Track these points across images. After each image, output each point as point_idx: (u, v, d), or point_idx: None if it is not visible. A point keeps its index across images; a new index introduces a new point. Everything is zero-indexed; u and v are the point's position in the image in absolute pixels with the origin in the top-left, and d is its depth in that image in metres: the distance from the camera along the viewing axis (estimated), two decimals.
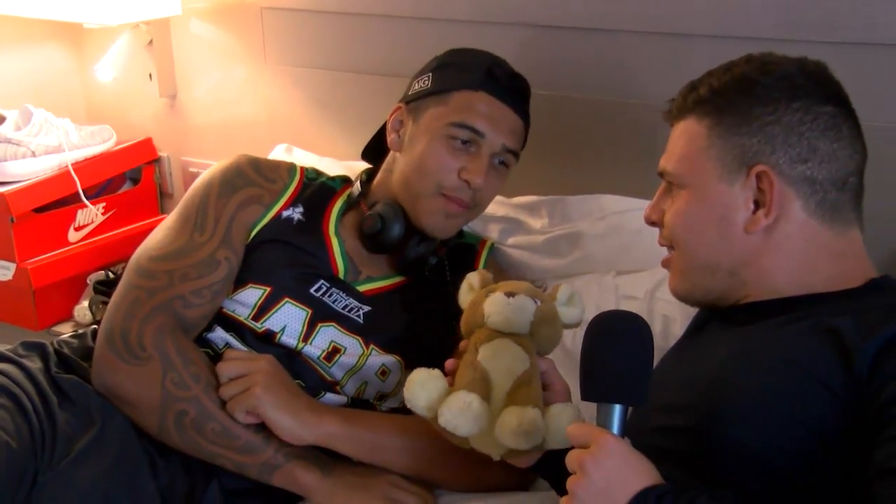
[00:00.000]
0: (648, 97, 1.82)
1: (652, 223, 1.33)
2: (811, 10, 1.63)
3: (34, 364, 1.46)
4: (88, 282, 2.32)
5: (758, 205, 1.20)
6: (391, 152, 1.68)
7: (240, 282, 1.56)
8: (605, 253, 1.74)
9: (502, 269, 1.78)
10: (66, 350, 1.55)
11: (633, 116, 1.86)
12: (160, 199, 2.57)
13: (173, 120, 2.51)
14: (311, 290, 1.57)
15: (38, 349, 1.51)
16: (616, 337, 1.05)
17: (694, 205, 1.24)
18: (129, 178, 2.51)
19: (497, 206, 1.85)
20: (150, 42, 2.38)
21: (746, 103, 1.21)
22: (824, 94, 1.21)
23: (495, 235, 1.86)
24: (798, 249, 1.20)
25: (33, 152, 2.24)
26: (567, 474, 1.02)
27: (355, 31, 2.17)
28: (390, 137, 1.66)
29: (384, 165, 1.70)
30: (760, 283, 1.21)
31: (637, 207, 1.74)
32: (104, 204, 2.39)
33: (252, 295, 1.55)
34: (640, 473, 0.99)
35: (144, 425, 1.43)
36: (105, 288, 2.27)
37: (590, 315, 1.59)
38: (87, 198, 2.32)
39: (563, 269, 1.77)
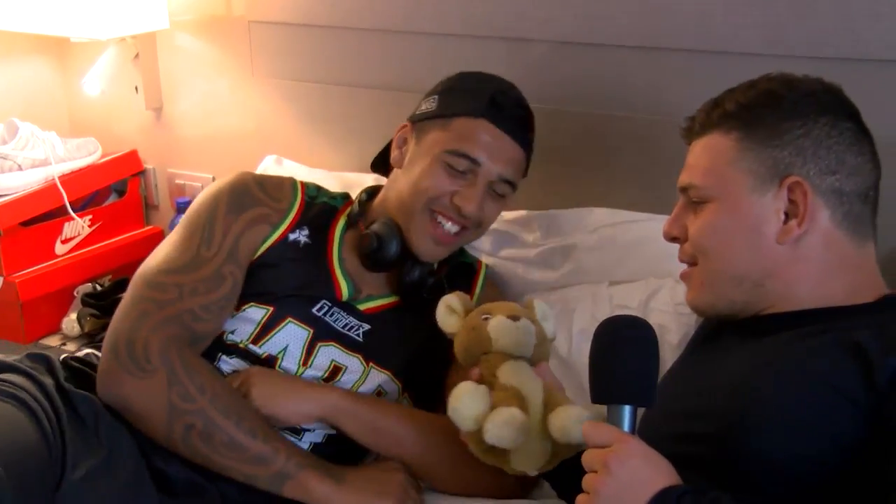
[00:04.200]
0: (638, 111, 1.86)
1: (672, 239, 1.34)
2: (797, 26, 1.68)
3: (45, 378, 1.44)
4: (76, 294, 2.32)
5: (787, 216, 1.22)
6: (394, 169, 1.69)
7: (241, 300, 1.57)
8: (598, 265, 1.77)
9: (499, 287, 1.81)
10: (75, 364, 1.55)
11: (623, 130, 1.89)
12: (146, 211, 2.58)
13: (159, 132, 2.51)
14: (313, 310, 1.58)
15: (45, 362, 1.50)
16: (624, 340, 1.08)
17: (723, 217, 1.26)
18: (115, 191, 2.52)
19: None
20: (137, 55, 2.39)
21: (775, 117, 1.24)
22: (846, 112, 1.26)
23: (487, 247, 1.88)
24: (822, 260, 1.23)
25: (20, 166, 2.24)
26: (578, 475, 1.05)
27: (344, 45, 2.19)
28: (394, 154, 1.67)
29: (387, 182, 1.71)
30: (784, 294, 1.24)
31: (628, 220, 1.78)
32: (90, 216, 2.40)
33: (255, 314, 1.56)
34: (661, 473, 1.02)
35: (153, 436, 1.43)
36: (93, 300, 2.28)
37: (585, 324, 1.65)
38: (73, 210, 2.32)
39: (556, 281, 1.80)
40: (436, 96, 1.65)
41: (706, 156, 1.29)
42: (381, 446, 1.50)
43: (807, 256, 1.23)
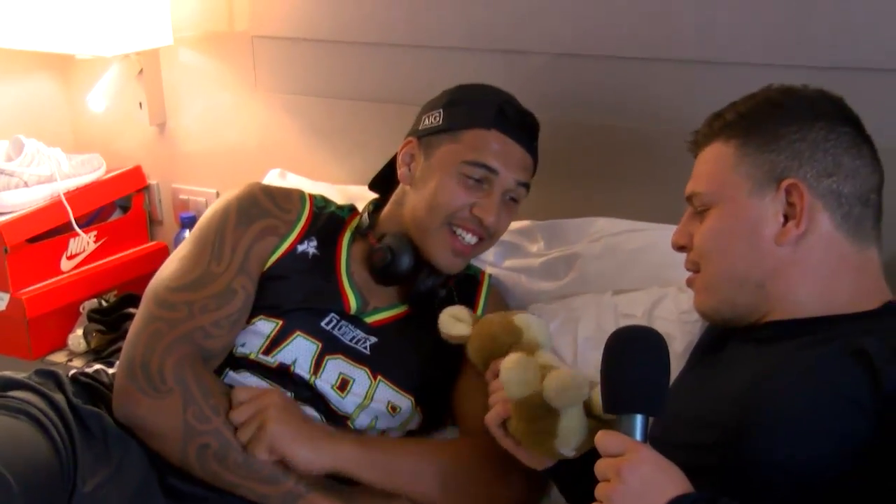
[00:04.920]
0: (638, 121, 1.88)
1: (680, 248, 1.37)
2: (797, 36, 1.70)
3: (55, 394, 1.46)
4: (82, 310, 2.33)
5: (787, 218, 1.25)
6: (401, 185, 1.69)
7: (251, 313, 1.57)
8: (602, 274, 1.78)
9: (502, 296, 1.82)
10: (85, 380, 1.56)
11: (623, 140, 1.91)
12: (150, 226, 2.59)
13: (163, 148, 2.53)
14: (322, 324, 1.59)
15: (53, 378, 1.51)
16: (635, 351, 1.09)
17: (724, 220, 1.28)
18: (119, 206, 2.53)
19: None
20: (141, 71, 2.41)
21: (772, 122, 1.27)
22: (843, 117, 1.28)
23: (491, 258, 1.89)
24: (823, 262, 1.24)
25: (26, 182, 2.26)
26: (590, 483, 1.06)
27: (346, 59, 2.21)
28: (401, 171, 1.67)
29: (393, 197, 1.71)
30: (785, 298, 1.25)
31: (631, 229, 1.80)
32: (95, 232, 2.41)
33: (264, 327, 1.56)
34: (673, 481, 1.03)
35: (166, 455, 1.45)
36: (99, 316, 2.29)
37: (590, 332, 1.67)
38: (78, 226, 2.33)
39: (560, 291, 1.81)
40: (440, 110, 1.65)
41: (708, 164, 1.33)
42: (397, 487, 1.48)
43: (807, 258, 1.24)
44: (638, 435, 1.06)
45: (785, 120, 1.27)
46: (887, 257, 1.31)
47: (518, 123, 1.63)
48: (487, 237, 1.64)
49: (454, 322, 1.45)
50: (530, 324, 1.35)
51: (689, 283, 1.36)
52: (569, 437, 1.26)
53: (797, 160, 1.24)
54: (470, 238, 1.62)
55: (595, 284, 1.78)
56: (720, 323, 1.35)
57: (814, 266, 1.25)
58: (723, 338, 1.35)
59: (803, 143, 1.25)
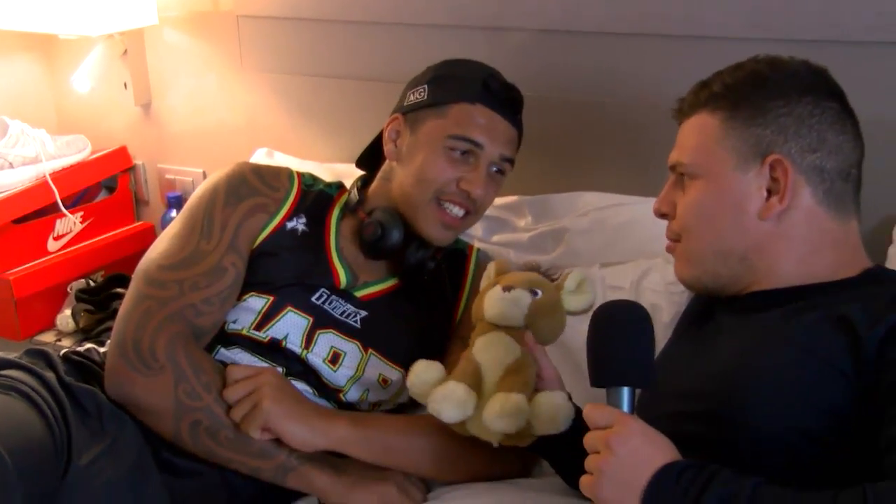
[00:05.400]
0: (626, 97, 1.89)
1: (662, 215, 1.37)
2: (780, 10, 1.72)
3: (46, 372, 1.45)
4: (69, 290, 2.34)
5: (770, 193, 1.25)
6: (388, 161, 1.71)
7: (242, 290, 1.58)
8: (589, 247, 1.80)
9: None
10: (76, 358, 1.56)
11: (608, 116, 1.92)
12: (136, 207, 2.60)
13: (148, 128, 2.53)
14: (313, 299, 1.60)
15: (43, 357, 1.51)
16: (621, 324, 1.11)
17: (709, 193, 1.29)
18: (105, 187, 2.53)
19: None
20: (125, 52, 2.40)
21: (759, 96, 1.27)
22: (829, 91, 1.29)
23: (479, 233, 1.91)
24: (804, 236, 1.26)
25: (11, 163, 2.26)
26: (578, 456, 1.08)
27: (331, 38, 2.21)
28: (387, 147, 1.69)
29: (381, 173, 1.73)
30: (768, 270, 1.27)
31: (618, 203, 1.82)
32: (82, 213, 2.42)
33: (255, 303, 1.57)
34: (662, 450, 1.05)
35: (159, 431, 1.46)
36: (87, 296, 2.29)
37: None
38: (64, 207, 2.33)
39: (548, 264, 1.81)
40: (424, 86, 1.66)
41: (694, 135, 1.33)
42: (391, 463, 1.50)
43: (789, 233, 1.26)
44: (625, 407, 1.08)
45: (772, 94, 1.27)
46: (874, 223, 1.33)
47: (502, 97, 1.64)
48: (474, 210, 1.65)
49: (484, 280, 1.47)
50: (488, 304, 1.36)
51: (670, 251, 1.37)
52: (480, 436, 1.32)
53: (783, 135, 1.25)
54: (457, 211, 1.63)
55: (583, 258, 1.80)
56: (702, 292, 1.37)
57: (796, 240, 1.26)
58: (709, 308, 1.36)
59: (789, 117, 1.25)
